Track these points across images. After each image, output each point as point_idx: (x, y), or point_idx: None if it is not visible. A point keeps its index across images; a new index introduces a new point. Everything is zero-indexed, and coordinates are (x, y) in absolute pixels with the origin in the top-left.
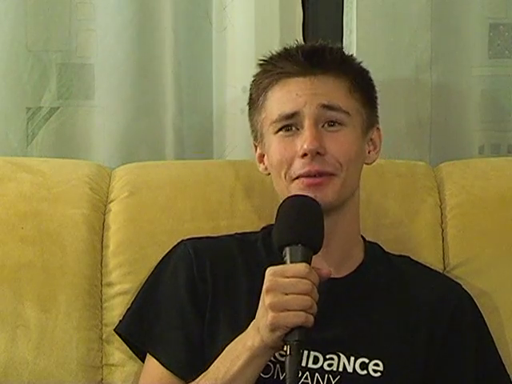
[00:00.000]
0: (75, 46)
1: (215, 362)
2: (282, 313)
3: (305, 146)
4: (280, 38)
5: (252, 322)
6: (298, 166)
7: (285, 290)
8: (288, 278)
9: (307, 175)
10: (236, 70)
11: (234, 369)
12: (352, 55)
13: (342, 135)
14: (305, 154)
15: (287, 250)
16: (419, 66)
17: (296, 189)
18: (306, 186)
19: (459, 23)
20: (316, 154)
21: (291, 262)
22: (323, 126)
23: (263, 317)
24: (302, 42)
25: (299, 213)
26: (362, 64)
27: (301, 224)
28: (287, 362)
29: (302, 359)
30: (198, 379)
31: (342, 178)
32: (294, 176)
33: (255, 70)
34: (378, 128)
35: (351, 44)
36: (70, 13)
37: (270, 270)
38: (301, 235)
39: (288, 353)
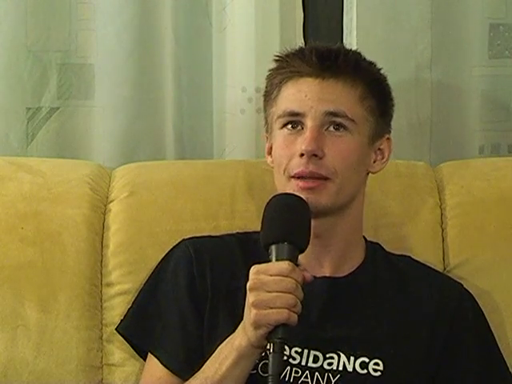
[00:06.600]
0: (75, 46)
1: (207, 361)
2: (265, 310)
3: (303, 147)
4: (280, 38)
5: (241, 322)
6: (295, 165)
7: (268, 287)
8: (271, 276)
9: (300, 175)
10: (236, 70)
11: (223, 369)
12: (370, 61)
13: (344, 141)
14: (302, 154)
15: (273, 247)
16: (419, 65)
17: (292, 189)
18: (300, 188)
19: (459, 23)
20: (313, 155)
21: (277, 260)
22: (328, 129)
23: (247, 315)
24: (319, 43)
25: (285, 211)
26: (380, 71)
27: (286, 222)
28: (270, 360)
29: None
30: (190, 379)
31: (337, 184)
32: (291, 174)
33: (255, 69)
34: (388, 138)
35: (351, 44)
36: (69, 13)
37: (253, 269)
38: (286, 233)
39: (271, 351)
